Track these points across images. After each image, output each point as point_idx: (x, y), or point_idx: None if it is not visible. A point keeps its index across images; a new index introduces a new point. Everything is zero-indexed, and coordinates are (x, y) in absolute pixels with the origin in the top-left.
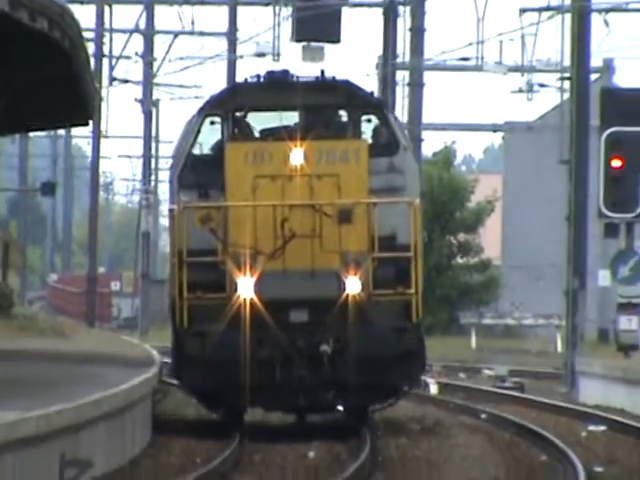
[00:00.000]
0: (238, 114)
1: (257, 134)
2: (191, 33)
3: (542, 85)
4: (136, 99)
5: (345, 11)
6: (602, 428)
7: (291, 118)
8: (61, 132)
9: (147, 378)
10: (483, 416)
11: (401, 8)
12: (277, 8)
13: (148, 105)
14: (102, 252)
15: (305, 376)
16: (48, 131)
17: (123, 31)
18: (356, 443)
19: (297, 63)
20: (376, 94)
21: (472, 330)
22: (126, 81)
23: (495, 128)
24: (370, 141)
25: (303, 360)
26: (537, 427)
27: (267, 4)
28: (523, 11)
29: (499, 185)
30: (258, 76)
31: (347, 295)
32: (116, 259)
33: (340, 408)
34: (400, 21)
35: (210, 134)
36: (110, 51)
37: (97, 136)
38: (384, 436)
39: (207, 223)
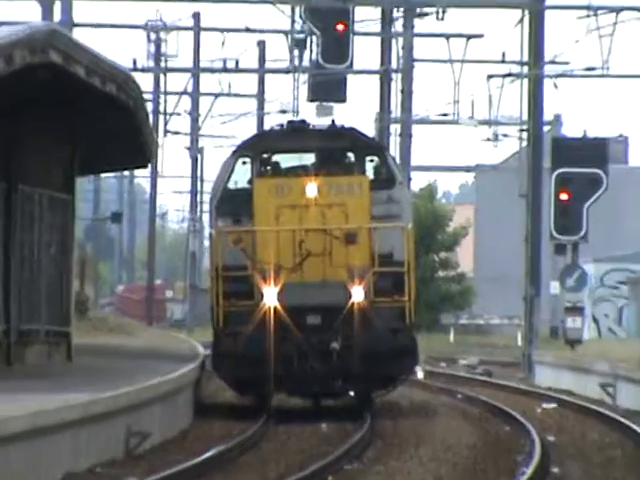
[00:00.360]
0: (264, 155)
1: (280, 171)
2: (228, 95)
3: (505, 135)
4: (185, 147)
5: (349, 77)
6: (553, 405)
7: (307, 158)
8: (126, 173)
9: (192, 368)
10: (459, 396)
11: (394, 75)
12: (296, 75)
13: (194, 152)
14: (158, 267)
15: (318, 368)
16: (116, 172)
17: (175, 93)
18: (360, 420)
19: (312, 118)
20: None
21: (451, 329)
22: (177, 133)
23: (468, 169)
24: (372, 177)
25: (316, 355)
26: (502, 405)
27: (288, 72)
28: (490, 77)
29: (471, 214)
30: (281, 125)
31: (353, 302)
32: (170, 273)
33: (351, 393)
34: (393, 85)
35: (241, 172)
36: (164, 109)
37: (154, 176)
38: (381, 411)
39: (239, 244)
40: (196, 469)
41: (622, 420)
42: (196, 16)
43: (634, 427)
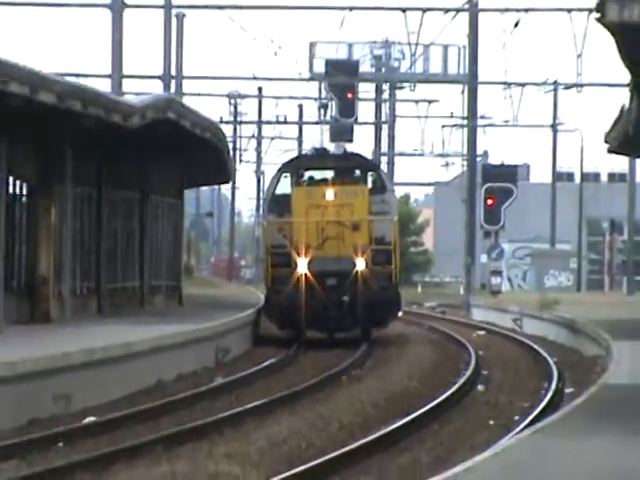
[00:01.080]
0: (299, 171)
1: (309, 182)
2: (280, 138)
3: (453, 163)
4: (253, 171)
5: (355, 126)
6: (483, 332)
7: (327, 174)
8: (216, 187)
9: (252, 312)
10: (425, 327)
11: (383, 125)
12: (322, 125)
13: (259, 174)
14: (236, 246)
15: (334, 313)
16: (209, 186)
17: (246, 137)
18: (361, 346)
19: (330, 147)
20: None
21: (419, 284)
22: (247, 162)
23: (430, 184)
24: (370, 186)
25: (333, 305)
26: (451, 332)
27: (317, 123)
28: (443, 126)
29: (432, 213)
30: (310, 151)
31: (357, 270)
32: (243, 249)
33: (356, 330)
34: (383, 132)
35: (284, 183)
36: (240, 146)
37: (233, 188)
38: (374, 340)
39: (281, 231)
40: (259, 372)
41: (526, 341)
42: (260, 89)
43: (534, 346)
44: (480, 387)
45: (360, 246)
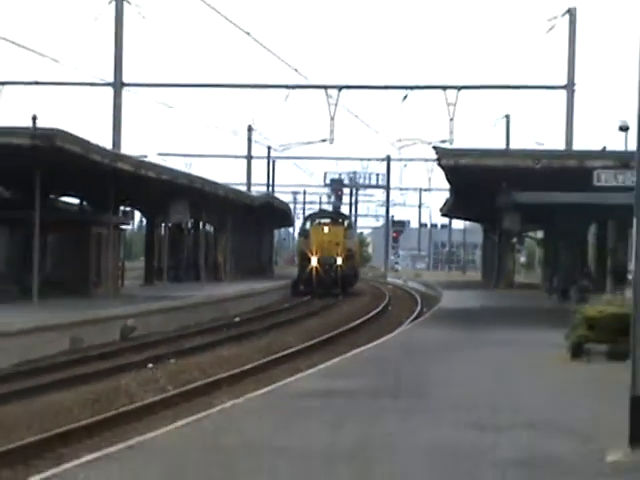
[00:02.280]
0: (314, 219)
1: (318, 224)
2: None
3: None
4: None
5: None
6: (391, 286)
7: (326, 220)
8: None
9: (289, 281)
10: (371, 284)
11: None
12: (328, 202)
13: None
14: (291, 250)
15: (328, 282)
16: (280, 228)
17: (301, 206)
18: (341, 295)
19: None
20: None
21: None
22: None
23: (371, 227)
24: (345, 226)
25: (328, 278)
26: (379, 286)
27: (327, 203)
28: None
29: (372, 239)
30: (318, 210)
31: (338, 263)
32: (294, 251)
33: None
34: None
35: (307, 223)
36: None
37: (292, 227)
38: (347, 294)
39: (305, 244)
40: (291, 308)
41: (408, 290)
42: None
43: (412, 292)
44: (390, 308)
45: (339, 252)
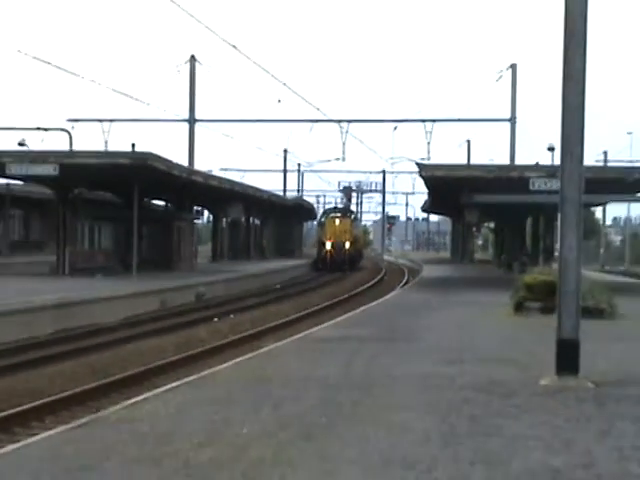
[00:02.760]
0: (328, 213)
1: (331, 217)
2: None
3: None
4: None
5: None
6: (386, 262)
7: (338, 214)
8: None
9: (308, 260)
10: (374, 262)
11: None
12: (341, 200)
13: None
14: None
15: (339, 262)
16: (307, 221)
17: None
18: (349, 272)
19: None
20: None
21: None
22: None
23: (372, 221)
24: (352, 218)
25: (339, 259)
26: (379, 264)
27: (341, 202)
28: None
29: (373, 229)
30: (332, 207)
31: (346, 247)
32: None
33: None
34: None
35: (323, 217)
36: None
37: (313, 219)
38: (353, 269)
39: (322, 232)
40: (313, 279)
41: (400, 265)
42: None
43: (401, 267)
44: (385, 277)
45: (348, 239)
